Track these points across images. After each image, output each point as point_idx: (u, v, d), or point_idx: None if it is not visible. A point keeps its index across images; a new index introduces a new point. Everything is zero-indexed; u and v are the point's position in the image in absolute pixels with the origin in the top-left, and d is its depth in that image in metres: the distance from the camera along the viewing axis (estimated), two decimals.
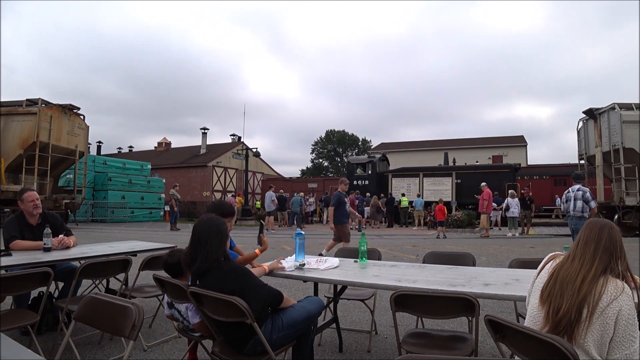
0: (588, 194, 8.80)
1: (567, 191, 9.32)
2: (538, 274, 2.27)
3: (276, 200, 21.27)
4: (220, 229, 2.96)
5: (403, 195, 25.44)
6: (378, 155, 28.69)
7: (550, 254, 2.32)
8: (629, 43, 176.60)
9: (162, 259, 3.68)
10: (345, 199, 9.48)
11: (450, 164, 30.38)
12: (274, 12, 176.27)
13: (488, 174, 23.73)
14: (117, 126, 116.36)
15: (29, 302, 4.24)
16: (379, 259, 4.54)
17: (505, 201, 17.93)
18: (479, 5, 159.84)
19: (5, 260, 3.80)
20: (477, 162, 31.85)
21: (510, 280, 3.15)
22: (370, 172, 27.44)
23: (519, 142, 44.02)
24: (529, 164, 39.04)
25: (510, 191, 18.30)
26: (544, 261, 2.31)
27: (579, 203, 8.77)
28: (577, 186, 9.03)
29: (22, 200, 4.64)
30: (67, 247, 4.67)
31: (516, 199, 17.69)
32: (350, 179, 26.21)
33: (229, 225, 3.64)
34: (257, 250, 3.87)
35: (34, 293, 4.21)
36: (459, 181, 24.33)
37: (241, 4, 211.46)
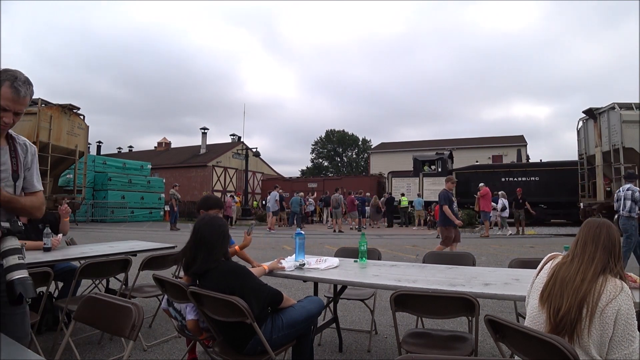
0: (637, 194, 8.54)
1: (618, 190, 9.07)
2: (537, 274, 2.27)
3: (279, 200, 21.32)
4: (223, 229, 2.96)
5: (402, 195, 25.39)
6: (447, 152, 27.16)
7: (549, 254, 2.32)
8: (627, 42, 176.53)
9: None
10: (453, 198, 9.10)
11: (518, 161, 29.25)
12: (271, 11, 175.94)
13: (567, 171, 22.41)
14: (116, 126, 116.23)
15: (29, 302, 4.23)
16: (379, 258, 4.54)
17: (501, 201, 18.03)
18: (476, 4, 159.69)
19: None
20: (477, 162, 31.40)
21: (510, 280, 3.15)
22: (440, 169, 25.41)
23: (518, 141, 43.87)
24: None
25: (500, 192, 18.42)
26: (543, 261, 2.31)
27: (629, 203, 8.49)
28: (627, 185, 8.74)
29: None
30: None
31: (506, 200, 18.01)
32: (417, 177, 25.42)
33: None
34: (236, 247, 3.92)
35: None
36: (536, 178, 23.11)
37: (237, 4, 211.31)
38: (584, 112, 17.80)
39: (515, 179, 23.42)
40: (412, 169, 27.62)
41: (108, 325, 2.36)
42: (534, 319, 2.12)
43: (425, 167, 26.13)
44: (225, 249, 2.95)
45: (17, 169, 2.27)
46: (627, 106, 16.09)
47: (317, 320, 3.39)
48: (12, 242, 2.13)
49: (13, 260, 2.07)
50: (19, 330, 2.23)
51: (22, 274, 2.06)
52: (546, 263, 2.27)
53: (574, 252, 2.12)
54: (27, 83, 2.18)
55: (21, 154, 2.33)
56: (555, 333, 1.92)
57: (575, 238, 2.18)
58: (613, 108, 16.08)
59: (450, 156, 27.17)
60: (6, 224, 2.13)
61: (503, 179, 23.41)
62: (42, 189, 2.48)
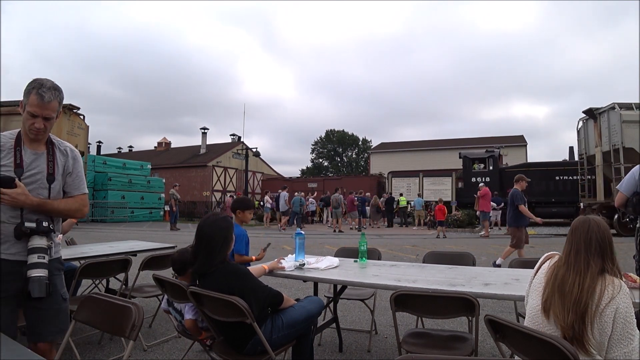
0: None
1: None
2: (535, 274, 2.26)
3: (288, 201, 21.50)
4: (226, 233, 2.90)
5: (401, 195, 25.35)
6: (497, 150, 25.59)
7: (547, 254, 2.32)
8: (625, 41, 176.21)
9: (172, 254, 3.71)
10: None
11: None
12: (269, 11, 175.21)
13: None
14: (115, 126, 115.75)
15: None
16: (379, 258, 4.54)
17: None
18: (474, 4, 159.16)
19: None
20: None
21: (510, 280, 3.15)
22: (491, 167, 23.94)
23: (518, 141, 43.74)
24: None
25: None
26: (540, 261, 2.30)
27: None
28: None
29: None
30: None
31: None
32: (467, 176, 24.40)
33: (248, 215, 4.21)
34: (253, 257, 4.01)
35: None
36: (592, 177, 20.25)
37: (235, 3, 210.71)
38: (584, 112, 17.81)
39: (571, 178, 21.88)
40: (412, 169, 27.32)
41: (108, 325, 2.36)
42: (533, 319, 2.12)
43: (475, 165, 24.77)
44: (225, 253, 2.89)
45: (54, 172, 2.44)
46: (627, 106, 16.07)
47: (317, 320, 3.39)
48: (36, 242, 2.28)
49: (32, 259, 2.23)
50: (53, 325, 2.43)
51: (39, 272, 2.21)
52: (543, 263, 2.26)
53: (567, 259, 2.09)
54: (53, 89, 2.33)
55: (60, 159, 2.49)
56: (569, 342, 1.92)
57: (567, 244, 2.15)
58: (613, 108, 16.07)
59: (499, 154, 25.97)
60: (31, 224, 2.27)
61: (557, 178, 22.38)
62: (85, 192, 2.65)
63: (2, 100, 18.28)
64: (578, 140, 19.06)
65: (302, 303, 3.14)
